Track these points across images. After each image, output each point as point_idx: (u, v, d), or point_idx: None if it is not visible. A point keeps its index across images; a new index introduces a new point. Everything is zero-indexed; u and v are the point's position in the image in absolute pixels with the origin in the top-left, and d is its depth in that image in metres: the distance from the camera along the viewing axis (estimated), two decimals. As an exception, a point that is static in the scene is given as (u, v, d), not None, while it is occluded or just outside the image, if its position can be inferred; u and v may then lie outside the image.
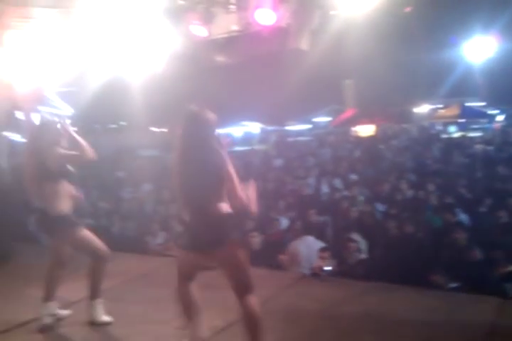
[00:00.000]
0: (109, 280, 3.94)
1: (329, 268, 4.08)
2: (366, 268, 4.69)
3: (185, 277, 2.84)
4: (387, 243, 5.31)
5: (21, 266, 4.94)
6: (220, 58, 5.56)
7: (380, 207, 7.05)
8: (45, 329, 3.36)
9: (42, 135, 3.39)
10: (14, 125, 7.67)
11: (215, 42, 5.18)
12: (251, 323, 2.66)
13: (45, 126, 3.51)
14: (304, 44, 4.75)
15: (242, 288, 2.71)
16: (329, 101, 23.37)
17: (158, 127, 20.03)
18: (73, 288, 3.66)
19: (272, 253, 5.06)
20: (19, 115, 7.28)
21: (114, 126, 22.12)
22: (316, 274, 4.04)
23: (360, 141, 15.01)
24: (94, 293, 3.46)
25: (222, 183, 2.70)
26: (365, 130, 18.69)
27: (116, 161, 11.10)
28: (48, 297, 3.43)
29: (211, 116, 2.82)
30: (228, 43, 5.20)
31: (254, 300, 2.71)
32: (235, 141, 19.13)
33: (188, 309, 2.80)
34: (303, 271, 4.26)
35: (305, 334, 3.10)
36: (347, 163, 9.98)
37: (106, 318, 3.43)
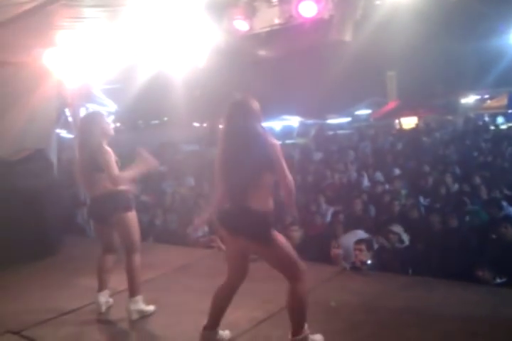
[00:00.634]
0: (153, 271, 4.08)
1: (370, 261, 4.04)
2: (407, 261, 4.63)
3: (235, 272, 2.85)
4: (430, 237, 5.20)
5: (69, 257, 5.17)
6: (262, 52, 5.55)
7: (423, 200, 6.91)
8: (97, 316, 3.53)
9: (90, 127, 3.48)
10: (63, 122, 7.97)
11: (257, 37, 5.18)
12: (294, 310, 2.70)
13: (93, 118, 3.63)
14: (347, 35, 4.67)
15: (288, 276, 2.73)
16: (370, 94, 22.91)
17: (200, 122, 20.28)
18: (120, 278, 3.79)
19: (314, 247, 5.06)
20: (67, 112, 7.56)
21: (156, 121, 22.55)
22: (357, 268, 4.01)
23: (403, 133, 14.68)
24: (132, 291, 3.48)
25: (269, 172, 2.66)
26: (408, 122, 18.24)
27: (159, 156, 11.34)
28: (101, 286, 3.61)
29: (256, 104, 2.81)
30: (270, 37, 5.19)
31: (300, 287, 2.71)
32: (274, 135, 19.14)
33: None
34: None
35: (345, 327, 3.08)
36: (389, 157, 9.81)
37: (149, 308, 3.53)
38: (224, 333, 2.94)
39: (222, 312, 2.88)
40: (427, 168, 8.39)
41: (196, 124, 20.95)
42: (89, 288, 4.04)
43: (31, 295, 4.07)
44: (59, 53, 5.60)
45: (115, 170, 3.28)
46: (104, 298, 3.61)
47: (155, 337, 3.18)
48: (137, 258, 3.44)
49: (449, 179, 7.44)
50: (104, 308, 3.59)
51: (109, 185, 3.32)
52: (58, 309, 3.68)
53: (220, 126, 2.88)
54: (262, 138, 2.68)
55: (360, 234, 5.10)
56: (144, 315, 3.46)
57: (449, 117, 18.13)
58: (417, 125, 16.73)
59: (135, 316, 3.41)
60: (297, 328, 2.72)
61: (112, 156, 3.33)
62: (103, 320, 3.53)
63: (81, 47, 5.60)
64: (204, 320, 2.91)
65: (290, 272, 2.72)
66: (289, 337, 2.71)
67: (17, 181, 5.26)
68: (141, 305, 3.46)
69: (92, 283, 4.07)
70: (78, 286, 4.20)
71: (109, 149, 3.37)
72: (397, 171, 8.59)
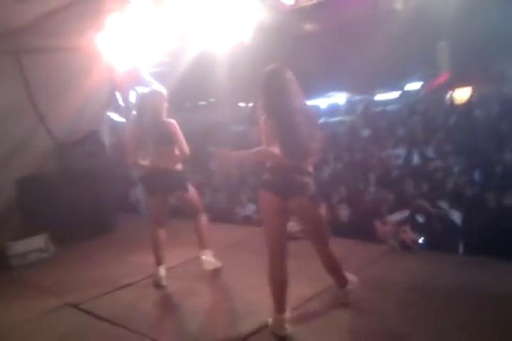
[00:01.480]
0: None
1: (421, 240, 3.96)
2: (458, 239, 4.51)
3: (279, 249, 2.86)
4: (485, 216, 5.02)
5: (123, 234, 5.40)
6: (308, 26, 5.43)
7: (478, 177, 6.65)
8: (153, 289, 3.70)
9: (157, 103, 3.67)
10: (114, 105, 8.18)
11: (302, 10, 5.04)
12: (331, 266, 2.96)
13: (158, 94, 3.79)
14: (398, 3, 4.45)
15: (325, 240, 2.93)
16: (421, 66, 21.92)
17: (246, 102, 20.25)
18: (172, 255, 3.93)
19: (361, 226, 5.01)
20: (117, 95, 7.74)
21: (203, 103, 22.70)
22: (407, 247, 3.93)
23: (456, 107, 14.04)
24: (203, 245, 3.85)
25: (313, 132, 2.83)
26: (461, 95, 17.40)
27: (207, 136, 11.48)
28: (160, 260, 3.77)
29: (291, 73, 2.87)
30: (316, 10, 5.03)
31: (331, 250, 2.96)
32: (320, 113, 18.84)
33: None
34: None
35: (395, 306, 3.05)
36: (441, 132, 9.46)
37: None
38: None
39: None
40: (481, 144, 8.03)
41: (242, 104, 20.93)
42: (142, 263, 4.23)
43: (89, 269, 4.28)
44: (109, 37, 5.71)
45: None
46: (164, 272, 3.77)
47: (207, 312, 3.27)
48: (204, 218, 3.88)
49: (506, 155, 7.10)
50: (164, 281, 3.74)
51: (176, 159, 3.62)
52: (114, 283, 3.86)
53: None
54: (301, 99, 2.87)
55: (408, 213, 5.00)
56: (216, 268, 3.77)
57: (507, 89, 17.11)
58: (470, 98, 15.94)
59: (207, 266, 3.77)
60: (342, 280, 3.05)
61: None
62: (158, 294, 3.67)
63: (129, 30, 5.67)
64: (254, 297, 2.98)
65: (326, 235, 2.94)
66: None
67: (73, 162, 5.51)
68: (212, 257, 3.80)
69: (146, 259, 4.25)
70: (132, 262, 4.38)
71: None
72: (449, 147, 8.27)
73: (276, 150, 2.70)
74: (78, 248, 4.89)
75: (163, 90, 3.95)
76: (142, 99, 3.78)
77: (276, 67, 2.91)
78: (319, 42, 13.97)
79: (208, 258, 3.81)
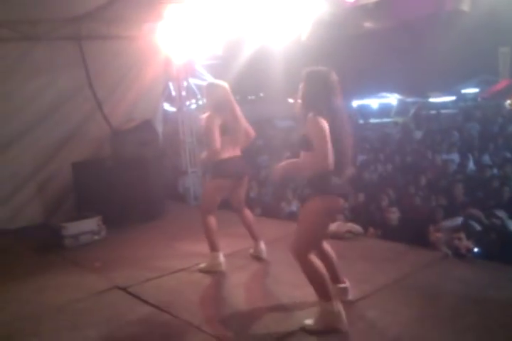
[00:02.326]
0: (249, 241, 4.18)
1: (476, 249, 3.80)
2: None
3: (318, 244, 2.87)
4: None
5: (172, 222, 5.49)
6: (368, 24, 5.29)
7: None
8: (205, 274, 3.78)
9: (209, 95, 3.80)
10: (167, 95, 8.32)
11: (364, 8, 4.91)
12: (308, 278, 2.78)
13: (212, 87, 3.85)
14: (465, 4, 4.26)
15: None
16: (479, 71, 21.09)
17: (295, 98, 20.18)
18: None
19: (411, 230, 4.87)
20: (171, 86, 7.86)
21: (253, 97, 22.77)
22: (461, 255, 3.78)
23: (515, 114, 13.41)
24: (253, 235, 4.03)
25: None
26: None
27: (255, 130, 11.50)
28: (215, 247, 3.84)
29: (335, 76, 2.81)
30: (378, 8, 4.89)
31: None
32: (371, 113, 18.53)
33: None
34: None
35: (445, 315, 2.93)
36: (499, 139, 9.06)
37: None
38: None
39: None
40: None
41: (290, 100, 20.84)
42: (189, 251, 4.31)
43: (138, 254, 4.38)
44: (167, 28, 5.79)
45: None
46: (223, 257, 3.87)
47: (250, 304, 3.26)
48: (250, 211, 4.11)
49: None
50: (223, 267, 3.84)
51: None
52: (162, 269, 3.93)
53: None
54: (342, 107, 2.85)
55: (461, 220, 4.82)
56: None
57: None
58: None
59: (265, 255, 4.00)
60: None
61: None
62: (204, 282, 3.70)
63: (187, 22, 5.74)
64: (295, 292, 2.93)
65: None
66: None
67: (126, 149, 5.64)
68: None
69: (192, 247, 4.33)
70: (180, 249, 4.45)
71: None
72: (508, 155, 7.91)
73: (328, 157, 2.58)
74: (128, 232, 5.01)
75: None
76: (219, 89, 3.81)
77: (321, 69, 2.83)
78: (378, 41, 13.66)
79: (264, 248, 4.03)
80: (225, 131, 3.70)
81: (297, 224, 2.85)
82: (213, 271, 3.81)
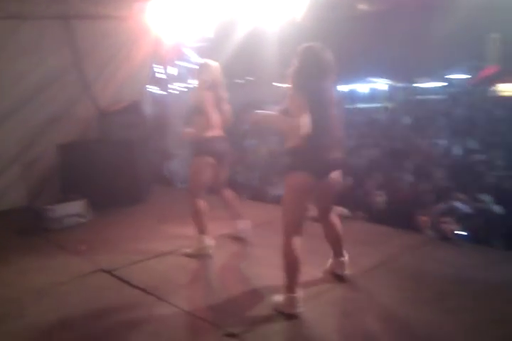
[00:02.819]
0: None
1: (461, 232, 3.84)
2: (498, 233, 4.36)
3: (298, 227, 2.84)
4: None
5: (158, 205, 5.45)
6: (363, 6, 5.24)
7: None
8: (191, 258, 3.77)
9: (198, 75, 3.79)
10: (154, 77, 8.18)
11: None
12: (284, 262, 2.80)
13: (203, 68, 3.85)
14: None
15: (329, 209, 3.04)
16: (468, 57, 21.10)
17: (282, 82, 20.03)
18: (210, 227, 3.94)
19: (398, 214, 4.90)
20: (157, 68, 7.73)
21: (240, 81, 22.54)
22: (447, 238, 3.81)
23: (502, 100, 13.53)
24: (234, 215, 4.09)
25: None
26: (508, 89, 16.72)
27: (242, 114, 11.42)
28: (202, 229, 3.83)
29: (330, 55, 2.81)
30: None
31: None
32: (361, 98, 18.53)
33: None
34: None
35: (431, 296, 2.97)
36: (485, 125, 9.14)
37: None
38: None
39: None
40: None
41: (277, 84, 20.69)
42: (175, 234, 4.28)
43: (123, 237, 4.34)
44: (157, 8, 5.66)
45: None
46: (210, 240, 3.86)
47: (236, 287, 3.26)
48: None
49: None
50: (211, 250, 3.83)
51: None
52: (148, 252, 3.90)
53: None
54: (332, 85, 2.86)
55: (447, 204, 4.86)
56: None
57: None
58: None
59: (245, 235, 4.06)
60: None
61: None
62: (190, 266, 3.68)
63: (177, 2, 5.61)
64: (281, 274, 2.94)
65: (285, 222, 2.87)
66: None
67: (113, 131, 5.56)
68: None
69: (178, 230, 4.31)
70: (165, 232, 4.42)
71: None
72: (494, 140, 7.98)
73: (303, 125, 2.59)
74: (114, 215, 4.96)
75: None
76: (211, 69, 3.79)
77: (316, 46, 2.83)
78: (370, 24, 13.56)
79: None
80: (214, 109, 3.70)
81: None
82: (201, 255, 3.79)
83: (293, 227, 2.79)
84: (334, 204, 3.16)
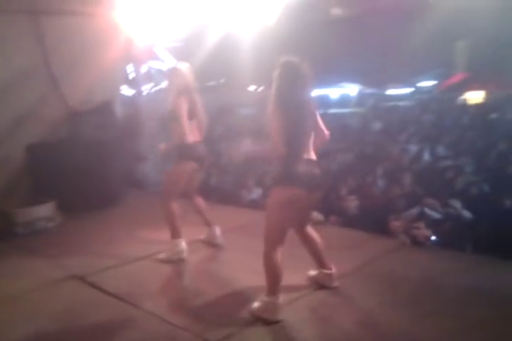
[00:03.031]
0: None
1: (434, 237, 3.92)
2: (467, 238, 4.48)
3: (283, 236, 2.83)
4: (495, 216, 4.97)
5: (130, 208, 5.35)
6: (337, 11, 5.30)
7: (489, 178, 6.59)
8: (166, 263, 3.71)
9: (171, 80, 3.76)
10: (126, 78, 8.04)
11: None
12: (266, 271, 2.81)
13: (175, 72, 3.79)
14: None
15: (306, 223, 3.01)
16: (436, 64, 21.62)
17: (259, 85, 20.04)
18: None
19: (370, 218, 4.97)
20: (129, 68, 7.61)
21: (213, 83, 22.43)
22: (420, 243, 3.88)
23: (469, 108, 13.92)
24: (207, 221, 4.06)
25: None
26: (475, 97, 17.21)
27: (216, 118, 11.37)
28: (177, 233, 3.78)
29: (308, 68, 2.83)
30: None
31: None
32: (331, 103, 18.72)
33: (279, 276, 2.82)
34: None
35: (404, 300, 3.01)
36: (454, 132, 9.38)
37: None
38: None
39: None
40: (498, 146, 7.94)
41: (252, 88, 20.70)
42: (149, 239, 4.23)
43: (95, 241, 4.25)
44: (129, 6, 5.58)
45: None
46: (184, 244, 3.81)
47: (212, 292, 3.22)
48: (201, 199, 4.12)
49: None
50: (185, 254, 3.78)
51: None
52: (121, 257, 3.83)
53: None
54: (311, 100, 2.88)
55: (419, 210, 4.96)
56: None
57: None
58: (484, 100, 15.79)
59: (219, 241, 4.05)
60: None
61: None
62: (164, 271, 3.63)
63: (149, 1, 5.54)
64: (257, 278, 2.93)
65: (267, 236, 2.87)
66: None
67: (84, 131, 5.44)
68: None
69: (152, 235, 4.25)
70: (139, 236, 4.36)
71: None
72: (462, 147, 8.20)
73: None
74: (85, 219, 4.84)
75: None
76: (183, 73, 3.73)
77: (295, 60, 2.85)
78: (341, 29, 13.75)
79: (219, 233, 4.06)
80: (190, 114, 3.66)
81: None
82: (174, 259, 3.74)
83: (277, 241, 2.79)
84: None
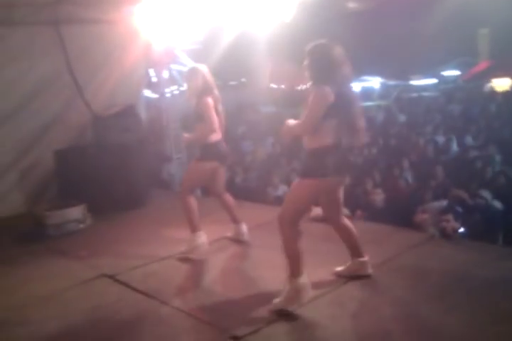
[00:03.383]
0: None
1: (462, 229, 3.85)
2: (498, 228, 4.38)
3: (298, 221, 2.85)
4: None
5: (156, 209, 5.41)
6: (352, 4, 5.26)
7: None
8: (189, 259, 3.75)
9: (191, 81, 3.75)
10: (147, 82, 8.15)
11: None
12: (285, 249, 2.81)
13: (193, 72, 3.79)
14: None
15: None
16: (459, 53, 21.14)
17: (277, 84, 20.02)
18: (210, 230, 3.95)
19: (396, 212, 4.91)
20: (151, 72, 7.71)
21: (234, 82, 22.51)
22: (448, 236, 3.82)
23: (496, 96, 13.57)
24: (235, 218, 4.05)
25: None
26: (501, 84, 16.75)
27: (238, 116, 11.43)
28: (195, 227, 3.80)
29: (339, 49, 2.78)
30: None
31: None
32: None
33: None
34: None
35: (433, 293, 2.96)
36: (480, 121, 9.17)
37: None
38: None
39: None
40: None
41: (273, 86, 20.68)
42: (175, 238, 4.24)
43: (124, 242, 4.33)
44: (147, 11, 5.65)
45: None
46: (205, 238, 3.83)
47: (238, 289, 3.24)
48: (230, 197, 4.06)
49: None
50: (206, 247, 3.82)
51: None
52: (148, 256, 3.88)
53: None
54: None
55: (446, 202, 4.88)
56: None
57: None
58: (510, 87, 15.35)
59: (246, 237, 4.02)
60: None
61: None
62: (191, 269, 3.68)
63: (166, 5, 5.60)
64: (283, 275, 2.94)
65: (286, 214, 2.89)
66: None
67: (109, 135, 5.53)
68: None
69: (178, 233, 4.28)
70: (165, 236, 4.40)
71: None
72: (490, 136, 8.01)
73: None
74: (113, 220, 4.94)
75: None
76: (202, 73, 3.76)
77: (324, 43, 2.81)
78: (359, 22, 13.60)
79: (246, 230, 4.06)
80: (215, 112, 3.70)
81: (287, 194, 2.93)
82: (195, 254, 3.76)
83: (293, 218, 2.81)
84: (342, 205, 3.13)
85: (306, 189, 2.79)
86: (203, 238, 3.82)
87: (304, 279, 2.80)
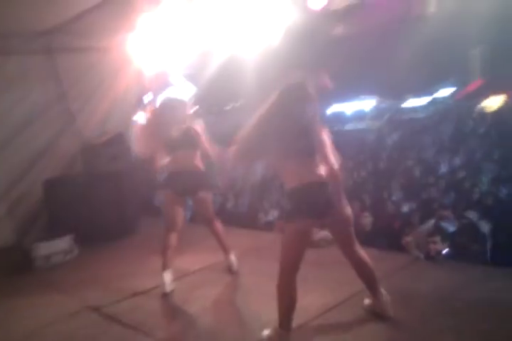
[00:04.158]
0: (222, 252, 4.16)
1: (446, 251, 3.85)
2: (485, 249, 4.39)
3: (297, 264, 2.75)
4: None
5: (147, 237, 5.37)
6: (339, 30, 5.35)
7: (507, 188, 6.46)
8: (164, 297, 3.66)
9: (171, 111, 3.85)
10: (140, 108, 8.23)
11: (333, 13, 4.94)
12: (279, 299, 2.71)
13: (175, 103, 3.91)
14: (431, 6, 4.38)
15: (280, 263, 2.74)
16: (451, 73, 21.44)
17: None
18: (191, 260, 3.93)
19: (384, 235, 4.92)
20: (145, 99, 7.80)
21: (228, 107, 22.77)
22: (432, 257, 3.83)
23: (487, 116, 13.72)
24: (226, 249, 4.01)
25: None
26: (493, 103, 16.94)
27: (229, 141, 11.48)
28: (165, 265, 3.73)
29: (312, 91, 2.74)
30: (348, 13, 4.95)
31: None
32: (346, 119, 18.74)
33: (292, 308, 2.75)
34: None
35: (418, 317, 2.96)
36: (471, 141, 9.27)
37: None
38: None
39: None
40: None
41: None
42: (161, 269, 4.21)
43: (112, 272, 4.30)
44: (139, 38, 5.76)
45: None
46: (169, 277, 3.73)
47: (229, 319, 3.24)
48: (219, 224, 3.98)
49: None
50: (169, 288, 3.68)
51: (199, 161, 3.80)
52: (136, 287, 3.84)
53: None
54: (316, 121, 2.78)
55: (433, 223, 4.89)
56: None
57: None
58: (503, 107, 15.51)
59: (235, 268, 3.99)
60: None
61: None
62: (179, 300, 3.63)
63: (159, 32, 5.71)
64: (273, 303, 2.94)
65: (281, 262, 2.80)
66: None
67: (98, 163, 5.57)
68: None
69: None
70: (154, 266, 4.32)
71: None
72: (479, 157, 8.09)
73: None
74: (102, 250, 4.92)
75: (191, 91, 3.98)
76: (168, 107, 3.80)
77: (299, 83, 2.76)
78: (349, 46, 13.85)
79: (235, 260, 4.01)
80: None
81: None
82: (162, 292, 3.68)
83: (292, 267, 2.71)
84: (354, 238, 2.99)
85: (291, 234, 2.70)
86: (166, 278, 3.71)
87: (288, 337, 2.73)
